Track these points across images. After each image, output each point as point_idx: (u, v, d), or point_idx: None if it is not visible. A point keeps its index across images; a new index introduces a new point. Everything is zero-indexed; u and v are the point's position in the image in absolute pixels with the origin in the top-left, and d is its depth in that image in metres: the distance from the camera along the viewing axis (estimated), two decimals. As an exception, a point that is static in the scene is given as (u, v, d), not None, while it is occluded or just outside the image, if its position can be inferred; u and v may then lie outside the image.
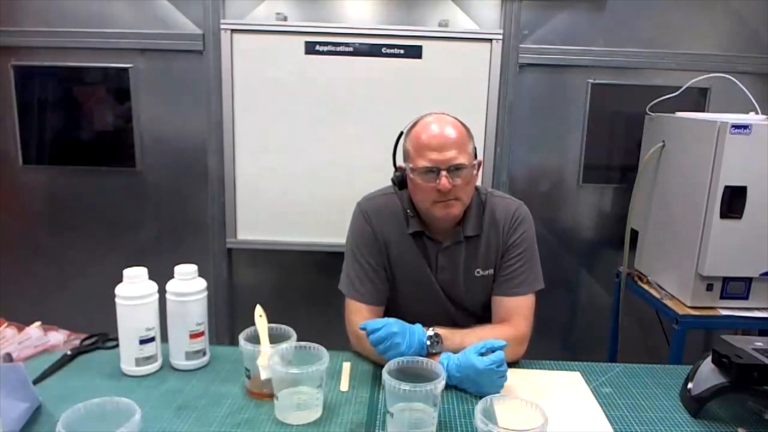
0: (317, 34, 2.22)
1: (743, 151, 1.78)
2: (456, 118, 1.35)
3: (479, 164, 1.37)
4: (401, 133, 1.39)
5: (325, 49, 2.23)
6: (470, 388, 1.18)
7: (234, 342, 1.41)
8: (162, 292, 1.24)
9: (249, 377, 1.16)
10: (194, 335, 1.25)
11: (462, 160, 1.28)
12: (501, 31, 2.26)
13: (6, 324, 1.38)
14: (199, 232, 2.44)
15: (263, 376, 1.11)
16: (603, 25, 2.33)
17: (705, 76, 2.18)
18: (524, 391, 1.19)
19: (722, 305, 1.92)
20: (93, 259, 2.46)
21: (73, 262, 2.49)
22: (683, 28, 2.35)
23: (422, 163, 1.29)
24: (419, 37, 2.22)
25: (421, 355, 1.17)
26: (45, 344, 1.33)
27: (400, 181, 1.38)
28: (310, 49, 2.23)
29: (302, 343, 1.15)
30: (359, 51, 2.23)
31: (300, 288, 2.51)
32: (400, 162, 1.40)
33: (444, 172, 1.27)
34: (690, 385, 1.15)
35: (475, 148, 1.36)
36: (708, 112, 2.34)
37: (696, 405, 1.13)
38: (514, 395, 1.14)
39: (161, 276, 1.26)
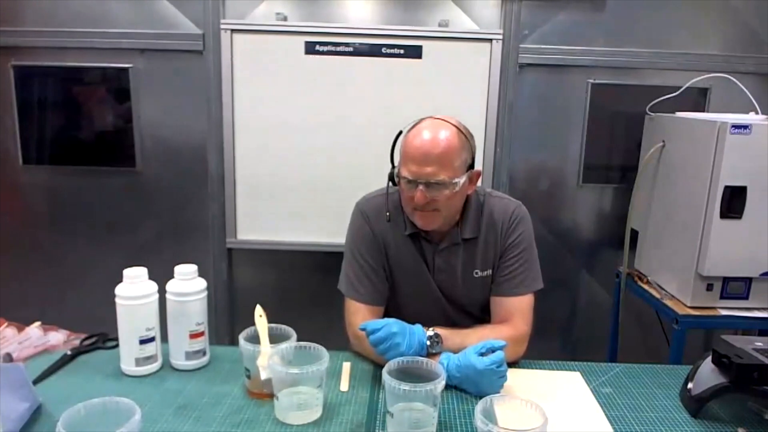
0: (317, 34, 2.22)
1: (743, 151, 1.78)
2: (457, 126, 1.31)
3: (477, 175, 1.35)
4: (400, 132, 1.39)
5: (325, 49, 2.23)
6: (470, 388, 1.18)
7: (234, 342, 1.41)
8: (162, 292, 1.24)
9: (249, 377, 1.17)
10: (194, 335, 1.25)
11: (442, 176, 1.25)
12: (501, 31, 2.26)
13: (6, 324, 1.38)
14: (199, 232, 2.44)
15: (263, 376, 1.11)
16: (603, 25, 2.33)
17: (705, 76, 2.18)
18: (524, 391, 1.19)
19: (722, 305, 1.92)
20: (93, 259, 2.46)
21: (73, 262, 2.49)
22: (683, 28, 2.35)
23: (404, 172, 1.28)
24: (419, 37, 2.22)
25: (421, 356, 1.17)
26: (45, 344, 1.33)
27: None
28: (310, 49, 2.23)
29: (302, 343, 1.15)
30: (359, 51, 2.23)
31: (300, 288, 2.51)
32: (398, 159, 1.39)
33: (421, 186, 1.25)
34: (690, 385, 1.15)
35: (473, 158, 1.33)
36: (708, 112, 2.34)
37: (696, 405, 1.13)
38: (514, 395, 1.14)
39: (161, 276, 1.26)
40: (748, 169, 1.80)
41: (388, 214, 1.39)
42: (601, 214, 2.52)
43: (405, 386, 0.99)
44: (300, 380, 1.09)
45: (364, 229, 1.41)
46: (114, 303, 1.22)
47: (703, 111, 2.35)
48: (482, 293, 1.43)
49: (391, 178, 1.38)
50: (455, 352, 1.22)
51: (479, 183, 1.41)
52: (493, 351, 1.17)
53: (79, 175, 2.43)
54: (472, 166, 1.33)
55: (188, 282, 1.25)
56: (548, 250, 2.46)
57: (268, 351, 1.14)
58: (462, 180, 1.29)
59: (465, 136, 1.31)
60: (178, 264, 1.26)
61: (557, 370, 1.31)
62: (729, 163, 1.79)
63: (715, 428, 1.10)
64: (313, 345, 1.14)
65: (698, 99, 2.36)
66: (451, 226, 1.38)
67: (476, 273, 1.41)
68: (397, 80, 2.24)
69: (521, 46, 2.31)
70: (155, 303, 1.24)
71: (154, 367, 1.25)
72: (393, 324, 1.19)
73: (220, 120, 2.30)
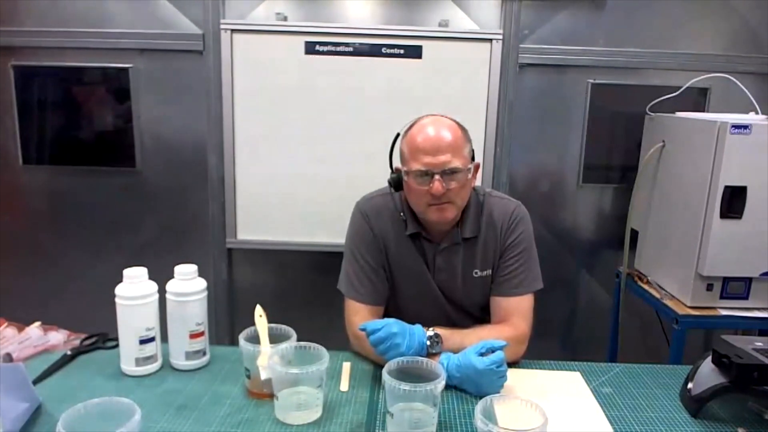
0: (317, 34, 2.22)
1: (743, 151, 1.78)
2: (454, 120, 1.34)
3: (477, 167, 1.36)
4: (398, 135, 1.39)
5: (325, 49, 2.23)
6: (470, 388, 1.18)
7: (234, 342, 1.41)
8: (162, 292, 1.24)
9: (249, 377, 1.17)
10: (194, 335, 1.25)
11: (456, 163, 1.27)
12: (501, 31, 2.26)
13: (6, 324, 1.38)
14: (199, 232, 2.44)
15: (263, 376, 1.11)
16: (603, 25, 2.33)
17: (705, 76, 2.18)
18: (524, 391, 1.19)
19: (722, 305, 1.92)
20: (93, 259, 2.46)
21: (73, 262, 2.49)
22: (683, 28, 2.35)
23: (416, 166, 1.28)
24: (419, 37, 2.22)
25: (421, 356, 1.17)
26: (45, 344, 1.33)
27: (396, 182, 1.37)
28: (310, 49, 2.23)
29: (302, 343, 1.15)
30: (359, 51, 2.23)
31: (300, 288, 2.51)
32: (396, 164, 1.39)
33: (437, 176, 1.26)
34: (690, 385, 1.15)
35: (473, 151, 1.35)
36: (708, 112, 2.34)
37: (696, 405, 1.13)
38: (514, 395, 1.14)
39: (161, 276, 1.26)
40: (748, 169, 1.80)
41: (402, 214, 1.39)
42: (601, 214, 2.52)
43: (405, 386, 0.99)
44: (300, 380, 1.09)
45: (364, 229, 1.41)
46: (114, 303, 1.22)
47: (703, 111, 2.35)
48: (482, 293, 1.43)
49: (392, 183, 1.38)
50: (455, 352, 1.22)
51: (479, 182, 1.41)
52: (493, 351, 1.17)
53: (79, 175, 2.43)
54: (473, 158, 1.35)
55: (188, 282, 1.25)
56: (548, 250, 2.46)
57: (268, 351, 1.14)
58: (470, 168, 1.32)
59: (463, 128, 1.34)
60: (178, 264, 1.26)
61: (557, 370, 1.31)
62: (729, 163, 1.79)
63: (715, 428, 1.10)
64: (313, 345, 1.14)
65: (698, 99, 2.36)
66: (453, 224, 1.38)
67: (476, 273, 1.41)
68: (397, 80, 2.25)
69: (521, 46, 2.31)
70: (155, 303, 1.24)
71: (154, 367, 1.25)
72: (393, 324, 1.19)
73: (220, 120, 2.30)
